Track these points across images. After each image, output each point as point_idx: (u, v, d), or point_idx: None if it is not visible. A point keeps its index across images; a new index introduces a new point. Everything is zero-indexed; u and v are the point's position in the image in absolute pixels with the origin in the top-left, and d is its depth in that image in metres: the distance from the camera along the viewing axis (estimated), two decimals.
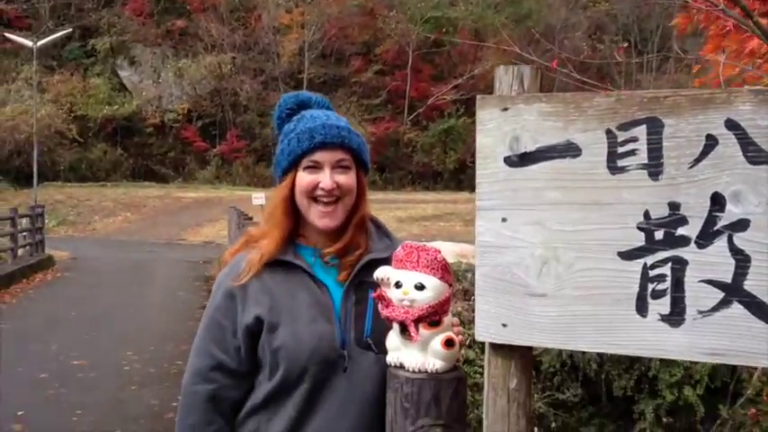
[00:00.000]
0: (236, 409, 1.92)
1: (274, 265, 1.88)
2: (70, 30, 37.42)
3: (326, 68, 44.93)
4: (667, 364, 6.32)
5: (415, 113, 44.65)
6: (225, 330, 1.89)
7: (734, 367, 6.27)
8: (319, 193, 1.85)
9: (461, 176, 43.66)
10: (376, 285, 1.72)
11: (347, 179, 1.87)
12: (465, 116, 43.39)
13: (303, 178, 1.86)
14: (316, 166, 1.86)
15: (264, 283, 1.87)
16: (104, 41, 44.82)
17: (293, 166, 1.88)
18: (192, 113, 44.29)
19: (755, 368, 6.09)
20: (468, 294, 7.22)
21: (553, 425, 6.61)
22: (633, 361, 6.64)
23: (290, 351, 1.82)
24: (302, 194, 1.87)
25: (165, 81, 44.91)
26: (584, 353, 6.57)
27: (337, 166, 1.87)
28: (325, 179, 1.84)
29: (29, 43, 28.72)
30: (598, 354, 6.47)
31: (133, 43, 45.69)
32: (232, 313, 1.88)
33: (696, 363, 6.30)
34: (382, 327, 1.73)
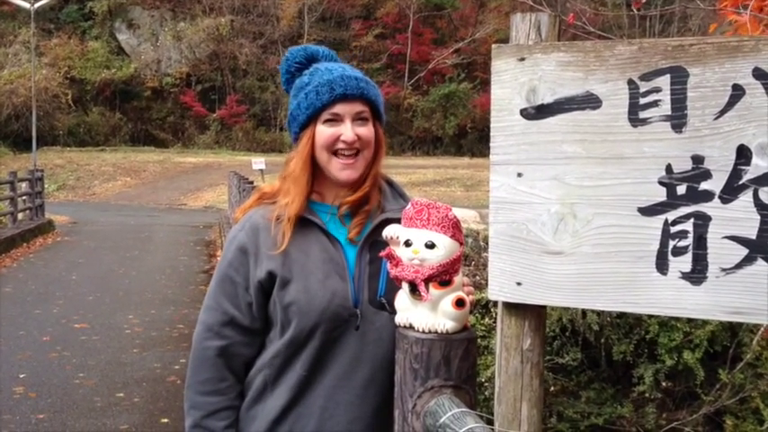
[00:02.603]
0: (248, 367, 1.90)
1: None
2: None
3: (326, 32, 44.53)
4: (667, 328, 6.31)
5: (415, 78, 44.36)
6: (237, 286, 1.86)
7: (734, 331, 6.24)
8: (340, 146, 1.81)
9: (461, 141, 43.54)
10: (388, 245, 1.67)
11: (367, 131, 1.83)
12: (466, 81, 43.13)
13: (323, 132, 1.81)
14: (335, 119, 1.81)
15: (278, 238, 1.84)
16: (102, 4, 44.39)
17: (312, 120, 1.83)
18: (191, 77, 44.05)
19: (756, 331, 6.06)
20: (467, 260, 7.19)
21: (552, 388, 6.61)
22: (632, 326, 6.63)
23: (302, 307, 1.79)
24: (323, 148, 1.82)
25: (164, 44, 44.56)
26: (584, 317, 6.54)
27: (357, 118, 1.82)
28: (347, 131, 1.80)
29: (26, 5, 28.31)
30: (598, 317, 6.45)
31: (131, 6, 45.26)
32: (244, 269, 1.85)
33: (696, 327, 6.28)
34: (396, 287, 1.68)
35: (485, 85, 44.24)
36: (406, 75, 44.31)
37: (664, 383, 6.32)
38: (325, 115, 1.81)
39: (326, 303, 1.79)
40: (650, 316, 5.89)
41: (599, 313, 6.18)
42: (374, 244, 1.83)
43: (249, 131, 43.16)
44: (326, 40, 43.90)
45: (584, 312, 6.32)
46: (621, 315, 6.23)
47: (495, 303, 5.29)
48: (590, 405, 6.53)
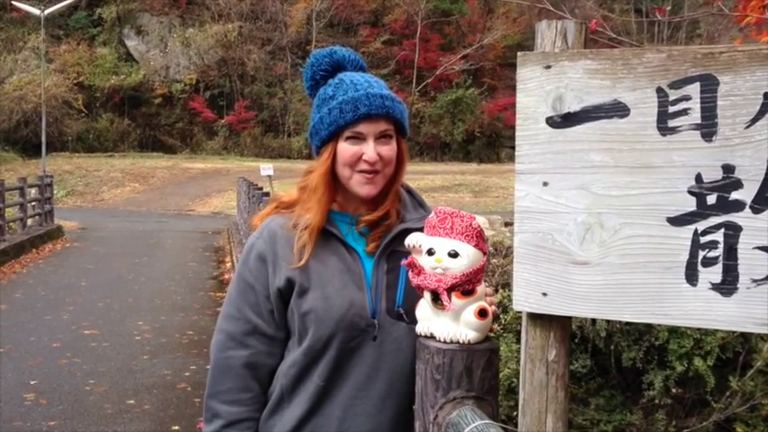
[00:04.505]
0: (271, 377, 1.87)
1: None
2: None
3: (334, 38, 44.54)
4: (677, 335, 6.27)
5: (423, 84, 44.36)
6: (258, 294, 1.84)
7: (746, 337, 6.19)
8: (362, 165, 1.77)
9: (469, 147, 43.53)
10: (408, 254, 1.65)
11: (389, 150, 1.80)
12: (473, 87, 43.12)
13: (346, 150, 1.78)
14: (358, 137, 1.77)
15: (296, 246, 1.82)
16: (111, 10, 44.60)
17: (334, 136, 1.79)
18: (200, 84, 44.18)
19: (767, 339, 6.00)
20: None
21: None
22: (642, 332, 6.59)
23: (320, 315, 1.77)
24: (344, 165, 1.79)
25: (173, 51, 44.71)
26: (593, 323, 6.52)
27: (380, 137, 1.78)
28: (369, 151, 1.76)
29: (36, 12, 28.52)
30: (607, 324, 6.42)
31: (140, 12, 45.46)
32: (263, 277, 1.83)
33: (707, 334, 6.23)
34: (414, 297, 1.66)
35: (492, 90, 44.28)
36: (414, 81, 44.31)
37: (674, 390, 6.26)
38: (348, 133, 1.77)
39: (344, 312, 1.77)
40: None
41: (608, 320, 6.13)
42: (392, 254, 1.81)
43: (257, 137, 43.24)
44: (334, 46, 43.96)
45: (593, 318, 6.28)
46: (631, 321, 6.18)
47: (505, 310, 5.22)
48: (599, 412, 6.48)
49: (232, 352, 1.85)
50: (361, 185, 1.79)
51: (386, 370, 1.79)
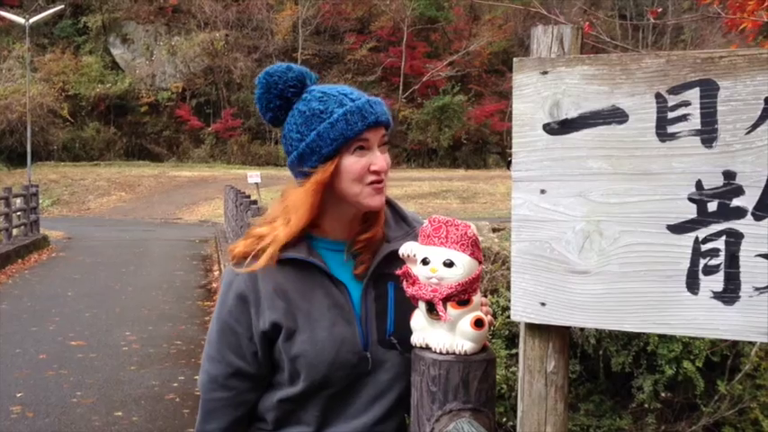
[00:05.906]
0: (256, 404, 1.83)
1: (286, 262, 1.71)
2: (62, 7, 36.99)
3: (321, 45, 44.70)
4: (666, 339, 6.28)
5: (409, 90, 44.46)
6: (239, 336, 1.75)
7: (734, 341, 6.20)
8: (371, 178, 1.67)
9: (456, 153, 43.64)
10: (396, 277, 1.61)
11: (388, 157, 1.71)
12: (460, 93, 43.25)
13: (355, 163, 1.65)
14: (364, 147, 1.66)
15: (278, 283, 1.72)
16: (96, 19, 44.48)
17: (339, 150, 1.65)
18: (186, 92, 44.12)
19: (755, 342, 6.02)
20: None
21: None
22: (631, 337, 6.61)
23: (310, 359, 1.70)
24: (354, 180, 1.67)
25: (159, 59, 44.63)
26: (582, 328, 6.51)
27: (381, 144, 1.69)
28: (379, 161, 1.66)
29: (21, 20, 28.39)
30: (596, 330, 6.41)
31: (125, 21, 45.36)
32: (245, 318, 1.74)
33: (695, 337, 6.24)
34: (405, 323, 1.62)
35: (479, 97, 44.43)
36: (401, 87, 44.41)
37: (663, 394, 6.26)
38: (356, 144, 1.66)
39: (335, 353, 1.70)
40: None
41: None
42: (379, 278, 1.73)
43: (244, 145, 43.19)
44: (321, 53, 44.13)
45: None
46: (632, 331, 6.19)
47: (493, 315, 5.21)
48: (589, 417, 6.47)
49: (215, 394, 1.79)
50: (372, 197, 1.69)
51: (382, 397, 1.75)
